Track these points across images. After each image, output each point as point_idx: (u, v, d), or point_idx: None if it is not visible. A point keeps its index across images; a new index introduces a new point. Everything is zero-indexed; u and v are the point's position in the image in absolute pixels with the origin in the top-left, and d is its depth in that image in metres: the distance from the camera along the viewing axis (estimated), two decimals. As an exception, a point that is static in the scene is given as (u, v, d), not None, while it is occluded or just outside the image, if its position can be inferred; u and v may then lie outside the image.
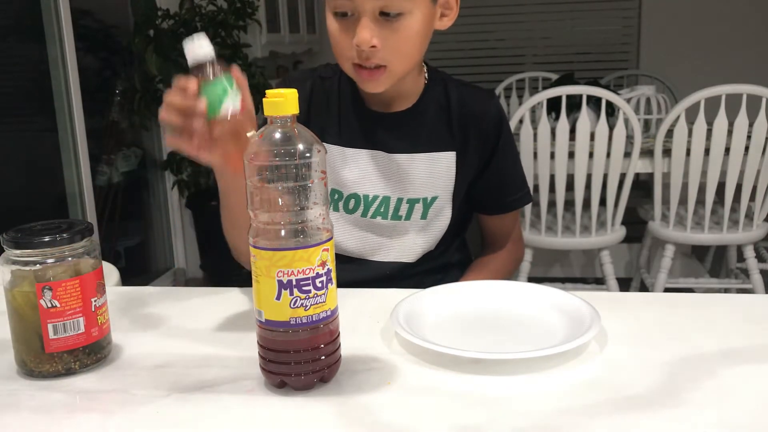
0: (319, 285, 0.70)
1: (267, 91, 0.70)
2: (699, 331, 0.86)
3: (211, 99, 0.78)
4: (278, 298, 0.69)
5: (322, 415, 0.68)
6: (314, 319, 0.71)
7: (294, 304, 0.69)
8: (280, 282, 0.69)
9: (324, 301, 0.71)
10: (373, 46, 1.01)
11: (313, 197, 0.70)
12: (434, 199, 1.16)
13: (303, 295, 0.69)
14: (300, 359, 0.71)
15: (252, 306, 0.99)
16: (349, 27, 1.02)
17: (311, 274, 0.69)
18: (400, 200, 1.15)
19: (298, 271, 0.69)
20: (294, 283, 0.69)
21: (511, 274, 1.27)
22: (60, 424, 0.69)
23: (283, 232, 0.69)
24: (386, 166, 1.15)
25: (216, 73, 0.79)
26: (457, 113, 1.15)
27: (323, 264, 0.70)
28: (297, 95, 0.71)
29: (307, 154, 0.69)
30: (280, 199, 0.69)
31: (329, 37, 1.06)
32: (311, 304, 0.70)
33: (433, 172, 1.15)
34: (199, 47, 0.78)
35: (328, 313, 0.72)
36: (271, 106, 0.70)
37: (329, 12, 1.05)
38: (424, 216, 1.17)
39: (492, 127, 1.16)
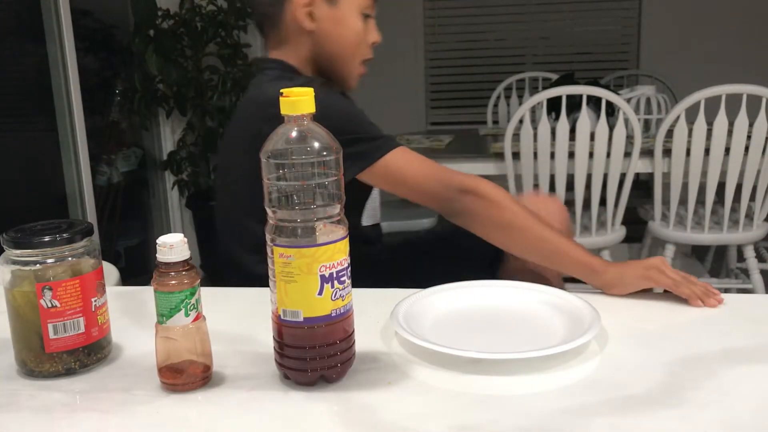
0: (348, 274, 0.73)
1: (283, 90, 0.71)
2: (699, 331, 0.86)
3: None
4: (320, 293, 0.71)
5: (322, 415, 0.68)
6: (348, 307, 0.74)
7: (335, 296, 0.72)
8: (322, 276, 0.70)
9: (351, 289, 0.74)
10: None
11: (341, 190, 0.72)
12: None
13: (341, 286, 0.72)
14: (338, 349, 0.73)
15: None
16: (366, 29, 1.18)
17: (345, 265, 0.72)
18: None
19: (337, 263, 0.71)
20: (334, 275, 0.71)
21: None
22: (60, 424, 0.69)
23: (321, 227, 0.71)
24: None
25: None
26: None
27: (348, 253, 0.73)
28: (313, 93, 0.72)
29: (335, 149, 0.72)
30: (319, 196, 0.71)
31: (351, 37, 1.17)
32: (346, 294, 0.73)
33: None
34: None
35: (351, 300, 0.75)
36: (289, 104, 0.71)
37: (357, 12, 1.15)
38: None
39: None
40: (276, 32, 1.20)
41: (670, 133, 2.31)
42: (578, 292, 0.94)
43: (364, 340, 0.84)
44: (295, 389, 0.73)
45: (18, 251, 0.76)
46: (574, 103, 2.37)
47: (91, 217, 2.73)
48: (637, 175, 2.46)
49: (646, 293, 0.99)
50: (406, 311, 0.88)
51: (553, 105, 2.34)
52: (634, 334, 0.85)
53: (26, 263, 0.76)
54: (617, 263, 1.02)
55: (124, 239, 3.30)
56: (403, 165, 1.10)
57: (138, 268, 3.31)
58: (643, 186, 3.14)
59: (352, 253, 0.74)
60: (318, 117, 1.12)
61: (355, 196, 1.22)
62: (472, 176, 1.10)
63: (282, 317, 0.72)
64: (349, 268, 0.74)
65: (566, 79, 2.88)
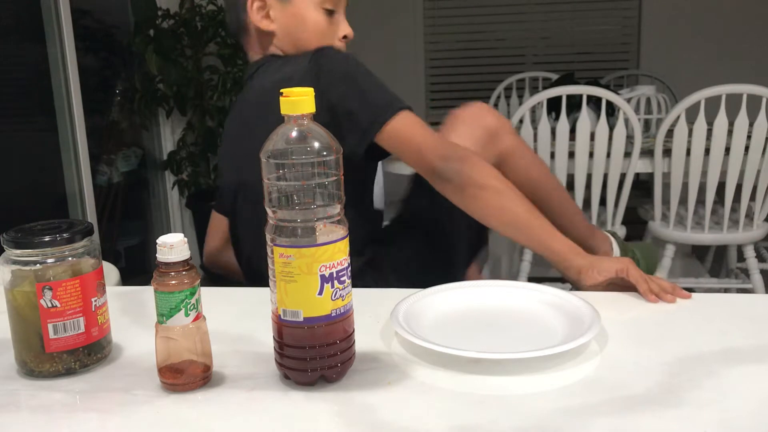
0: (348, 273, 0.73)
1: (283, 90, 0.71)
2: (699, 331, 0.86)
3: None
4: (320, 293, 0.71)
5: (322, 415, 0.68)
6: (348, 307, 0.74)
7: (335, 296, 0.72)
8: (322, 276, 0.70)
9: (351, 289, 0.74)
10: None
11: (341, 190, 0.72)
12: None
13: (341, 286, 0.72)
14: (338, 349, 0.73)
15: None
16: (332, 22, 1.23)
17: (345, 264, 0.72)
18: None
19: (338, 263, 0.71)
20: (334, 275, 0.71)
21: None
22: (60, 424, 0.69)
23: (321, 227, 0.71)
24: None
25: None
26: None
27: (348, 253, 0.74)
28: (313, 93, 0.71)
29: (335, 149, 0.71)
30: (318, 196, 0.71)
31: (312, 29, 1.21)
32: (346, 294, 0.73)
33: None
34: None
35: (352, 300, 0.75)
36: (289, 104, 0.70)
37: (316, 7, 1.21)
38: None
39: None
40: (250, 40, 1.27)
41: (670, 133, 2.31)
42: (578, 292, 0.94)
43: (364, 340, 0.84)
44: (295, 389, 0.73)
45: (18, 251, 0.76)
46: (574, 103, 2.37)
47: (91, 217, 2.74)
48: (637, 175, 2.46)
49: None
50: (406, 311, 0.88)
51: (553, 105, 2.34)
52: (634, 334, 0.86)
53: (26, 263, 0.76)
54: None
55: (124, 239, 3.30)
56: (412, 125, 1.15)
57: (138, 268, 3.31)
58: (643, 186, 3.13)
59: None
60: (342, 71, 1.14)
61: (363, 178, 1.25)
62: (466, 147, 1.16)
63: (282, 317, 0.72)
64: (349, 267, 0.74)
65: (566, 79, 2.88)
